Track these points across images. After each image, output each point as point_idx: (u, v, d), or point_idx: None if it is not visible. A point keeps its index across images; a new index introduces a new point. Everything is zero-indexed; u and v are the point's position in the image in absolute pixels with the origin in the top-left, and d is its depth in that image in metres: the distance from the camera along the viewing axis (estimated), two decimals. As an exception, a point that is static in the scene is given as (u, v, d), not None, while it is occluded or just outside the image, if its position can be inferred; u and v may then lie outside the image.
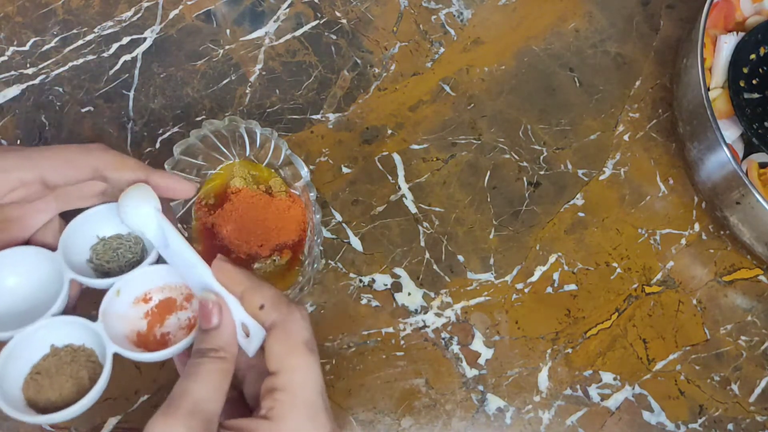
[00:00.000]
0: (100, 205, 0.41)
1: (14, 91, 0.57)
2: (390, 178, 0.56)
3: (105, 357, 0.37)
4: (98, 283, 0.39)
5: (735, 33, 0.56)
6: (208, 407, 0.32)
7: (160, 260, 0.41)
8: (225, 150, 0.51)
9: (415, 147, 0.57)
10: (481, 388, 0.52)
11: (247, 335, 0.36)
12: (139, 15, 0.59)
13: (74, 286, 0.40)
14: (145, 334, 0.40)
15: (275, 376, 0.33)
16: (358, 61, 0.60)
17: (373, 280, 0.53)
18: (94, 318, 0.38)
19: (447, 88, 0.59)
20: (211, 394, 0.33)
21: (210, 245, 0.49)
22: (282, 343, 0.34)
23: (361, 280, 0.53)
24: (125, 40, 0.58)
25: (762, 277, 0.56)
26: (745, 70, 0.56)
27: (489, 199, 0.56)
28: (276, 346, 0.34)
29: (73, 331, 0.38)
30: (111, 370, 0.37)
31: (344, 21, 0.61)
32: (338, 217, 0.55)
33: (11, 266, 0.39)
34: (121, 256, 0.41)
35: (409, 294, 0.53)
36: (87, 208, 0.41)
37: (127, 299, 0.40)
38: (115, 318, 0.39)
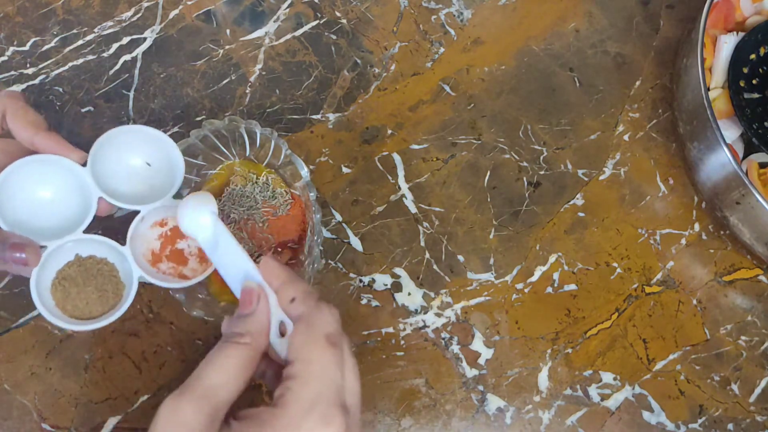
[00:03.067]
0: (123, 127, 0.44)
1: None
2: (390, 178, 0.56)
3: (128, 276, 0.43)
4: (123, 205, 0.43)
5: (735, 33, 0.56)
6: (220, 393, 0.32)
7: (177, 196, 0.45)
8: (225, 150, 0.51)
9: (415, 147, 0.57)
10: (481, 388, 0.52)
11: (284, 335, 0.36)
12: (139, 15, 0.59)
13: (101, 205, 0.43)
14: (158, 253, 0.46)
15: (291, 365, 0.33)
16: (358, 61, 0.60)
17: (373, 280, 0.53)
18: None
19: (447, 88, 0.59)
20: (225, 381, 0.33)
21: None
22: (303, 335, 0.34)
23: (361, 280, 0.53)
24: (125, 40, 0.58)
25: (762, 277, 0.56)
26: (745, 70, 0.56)
27: (489, 199, 0.56)
28: (297, 337, 0.34)
29: (98, 247, 0.43)
30: (135, 293, 0.43)
31: (344, 21, 0.61)
32: (338, 217, 0.55)
33: (40, 176, 0.42)
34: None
35: (409, 294, 0.53)
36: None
37: (148, 223, 0.45)
38: (135, 238, 0.44)
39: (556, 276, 0.55)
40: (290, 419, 0.31)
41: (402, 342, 0.52)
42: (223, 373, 0.33)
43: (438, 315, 0.53)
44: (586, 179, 0.58)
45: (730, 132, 0.55)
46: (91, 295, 0.42)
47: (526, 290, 0.54)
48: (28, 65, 0.57)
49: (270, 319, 0.36)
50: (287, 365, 0.33)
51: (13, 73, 0.57)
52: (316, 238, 0.48)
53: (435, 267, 0.54)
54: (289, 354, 0.34)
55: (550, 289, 0.54)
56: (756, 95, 0.56)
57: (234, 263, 0.39)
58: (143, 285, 0.52)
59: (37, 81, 0.57)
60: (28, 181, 0.42)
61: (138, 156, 0.45)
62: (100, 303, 0.42)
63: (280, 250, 0.51)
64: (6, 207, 0.41)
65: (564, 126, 0.59)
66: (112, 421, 0.49)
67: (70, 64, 0.57)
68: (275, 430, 0.31)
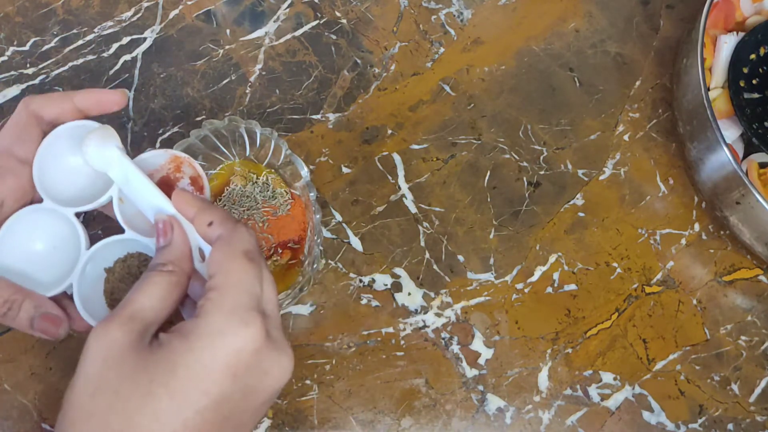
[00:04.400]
0: (57, 130, 0.41)
1: (14, 91, 0.57)
2: (390, 178, 0.56)
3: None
4: (99, 201, 0.41)
5: (735, 33, 0.56)
6: (148, 315, 0.33)
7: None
8: (225, 150, 0.51)
9: (415, 147, 0.57)
10: (481, 388, 0.52)
11: (204, 260, 0.38)
12: (139, 15, 0.59)
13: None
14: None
15: (211, 278, 0.34)
16: (358, 61, 0.60)
17: (373, 280, 0.53)
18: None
19: (447, 88, 0.59)
20: (153, 303, 0.34)
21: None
22: (221, 251, 0.35)
23: (361, 280, 0.53)
24: (125, 40, 0.58)
25: (762, 277, 0.56)
26: (745, 70, 0.56)
27: (489, 199, 0.56)
28: (216, 254, 0.35)
29: (124, 246, 0.41)
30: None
31: (344, 21, 0.61)
32: (338, 217, 0.55)
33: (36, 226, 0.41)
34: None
35: (409, 294, 0.53)
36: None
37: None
38: (134, 218, 0.42)
39: (556, 276, 0.55)
40: (212, 325, 0.32)
41: (402, 342, 0.52)
42: (148, 297, 0.34)
43: (438, 315, 0.53)
44: (586, 179, 0.58)
45: (730, 132, 0.55)
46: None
47: (526, 290, 0.54)
48: (28, 65, 0.57)
49: (189, 245, 0.37)
50: (208, 280, 0.34)
51: (13, 73, 0.57)
52: (316, 238, 0.48)
53: (435, 267, 0.54)
54: (209, 269, 0.35)
55: (550, 289, 0.54)
56: (756, 95, 0.56)
57: (146, 198, 0.39)
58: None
59: (37, 81, 0.57)
60: (25, 232, 0.41)
61: (75, 154, 0.42)
62: None
63: (280, 250, 0.51)
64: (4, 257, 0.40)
65: (564, 126, 0.59)
66: (112, 421, 0.49)
67: (70, 64, 0.57)
68: (199, 338, 0.32)
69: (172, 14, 0.60)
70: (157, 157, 0.42)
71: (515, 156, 0.58)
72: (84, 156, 0.40)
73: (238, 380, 0.32)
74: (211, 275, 0.34)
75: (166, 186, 0.42)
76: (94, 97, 0.41)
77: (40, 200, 0.41)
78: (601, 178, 0.58)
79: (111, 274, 0.41)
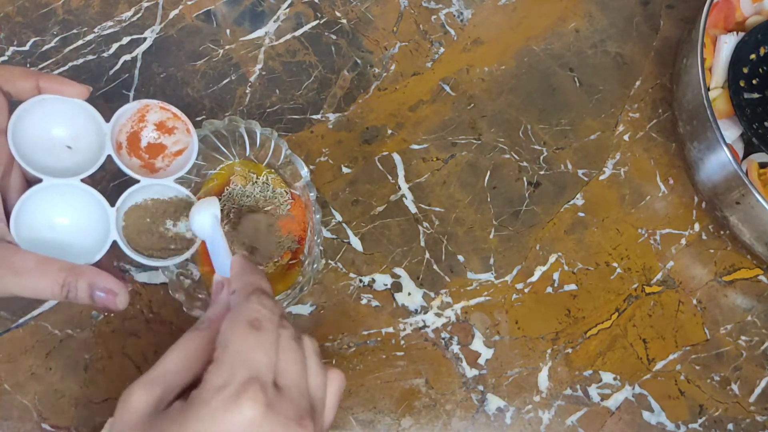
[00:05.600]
0: (45, 96, 0.42)
1: (14, 91, 0.57)
2: (390, 178, 0.56)
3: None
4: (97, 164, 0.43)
5: (735, 33, 0.56)
6: (170, 378, 0.33)
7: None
8: (225, 150, 0.51)
9: (415, 147, 0.57)
10: (481, 388, 0.52)
11: None
12: (139, 15, 0.59)
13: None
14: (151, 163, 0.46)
15: (215, 351, 0.33)
16: (358, 61, 0.60)
17: (373, 280, 0.53)
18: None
19: (447, 88, 0.59)
20: (178, 366, 0.34)
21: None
22: (226, 322, 0.34)
23: (361, 280, 0.53)
24: (125, 40, 0.58)
25: (762, 277, 0.56)
26: (745, 70, 0.56)
27: (489, 199, 0.56)
28: (223, 325, 0.34)
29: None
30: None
31: (344, 21, 0.61)
32: (338, 217, 0.55)
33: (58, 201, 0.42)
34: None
35: (409, 294, 0.53)
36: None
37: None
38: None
39: (556, 276, 0.55)
40: (201, 399, 0.31)
41: (402, 342, 0.52)
42: (176, 359, 0.34)
43: (438, 315, 0.53)
44: (586, 179, 0.58)
45: (730, 132, 0.55)
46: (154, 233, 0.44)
47: (526, 290, 0.54)
48: (28, 65, 0.57)
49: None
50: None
51: (13, 73, 0.57)
52: (316, 238, 0.48)
53: (435, 267, 0.54)
54: (217, 343, 0.34)
55: (550, 289, 0.54)
56: (756, 95, 0.56)
57: (220, 258, 0.42)
58: (143, 285, 0.52)
59: (37, 81, 0.57)
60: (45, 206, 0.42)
61: (61, 127, 0.43)
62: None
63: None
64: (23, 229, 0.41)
65: (564, 126, 0.59)
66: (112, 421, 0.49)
67: (70, 64, 0.57)
68: (189, 412, 0.31)
69: (172, 14, 0.60)
70: (128, 110, 0.44)
71: (515, 156, 0.58)
72: (190, 221, 0.43)
73: None
74: (216, 347, 0.33)
75: (135, 138, 0.45)
76: (57, 86, 0.41)
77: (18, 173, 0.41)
78: (601, 178, 0.58)
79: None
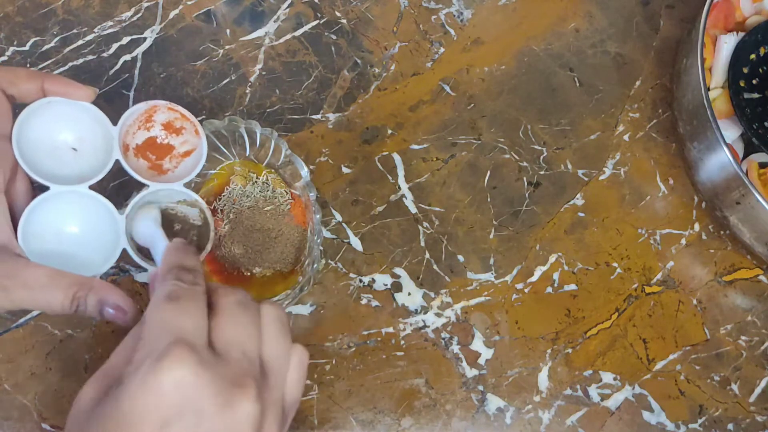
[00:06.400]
0: (51, 99, 0.41)
1: (14, 91, 0.57)
2: (390, 178, 0.56)
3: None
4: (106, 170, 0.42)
5: (735, 33, 0.56)
6: (113, 371, 0.32)
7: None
8: (225, 150, 0.51)
9: (415, 147, 0.57)
10: (481, 388, 0.52)
11: None
12: (139, 15, 0.59)
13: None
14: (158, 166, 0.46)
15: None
16: (358, 61, 0.60)
17: (373, 280, 0.53)
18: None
19: (447, 88, 0.59)
20: (119, 358, 0.33)
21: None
22: (150, 304, 0.34)
23: (361, 280, 0.53)
24: (125, 40, 0.58)
25: (762, 277, 0.56)
26: (745, 70, 0.56)
27: (489, 199, 0.56)
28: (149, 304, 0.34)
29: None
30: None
31: (344, 21, 0.61)
32: (338, 217, 0.55)
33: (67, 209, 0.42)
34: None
35: (409, 294, 0.53)
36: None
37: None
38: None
39: (556, 276, 0.55)
40: (129, 374, 0.30)
41: (402, 342, 0.52)
42: (117, 353, 0.33)
43: (438, 315, 0.53)
44: (586, 179, 0.58)
45: (730, 132, 0.55)
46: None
47: (526, 290, 0.54)
48: (28, 65, 0.57)
49: None
50: None
51: (13, 73, 0.57)
52: (316, 238, 0.48)
53: (435, 267, 0.54)
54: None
55: (550, 289, 0.54)
56: (756, 95, 0.56)
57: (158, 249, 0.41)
58: (143, 285, 0.52)
59: (37, 81, 0.57)
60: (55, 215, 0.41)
61: (67, 131, 0.43)
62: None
63: (280, 250, 0.51)
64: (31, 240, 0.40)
65: (564, 126, 0.59)
66: (112, 421, 0.49)
67: (70, 64, 0.57)
68: (122, 390, 0.30)
69: (172, 14, 0.60)
70: (135, 111, 0.44)
71: (515, 156, 0.58)
72: (129, 230, 0.42)
73: (168, 428, 0.29)
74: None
75: (152, 141, 0.45)
76: (63, 88, 0.40)
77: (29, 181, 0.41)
78: (601, 178, 0.58)
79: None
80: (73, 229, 0.42)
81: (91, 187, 0.42)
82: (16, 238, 0.39)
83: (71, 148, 0.42)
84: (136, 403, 0.29)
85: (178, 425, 0.29)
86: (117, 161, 0.42)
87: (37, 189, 0.41)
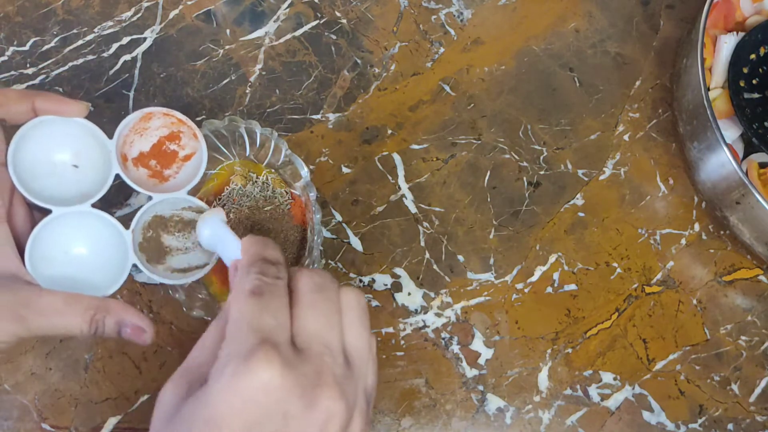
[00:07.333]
0: (44, 117, 0.40)
1: (14, 91, 0.57)
2: (390, 178, 0.56)
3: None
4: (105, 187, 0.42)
5: (735, 33, 0.56)
6: (195, 370, 0.33)
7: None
8: (225, 150, 0.51)
9: (415, 147, 0.57)
10: (481, 388, 0.52)
11: None
12: (139, 15, 0.59)
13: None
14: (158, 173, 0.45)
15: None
16: (358, 61, 0.60)
17: (373, 280, 0.53)
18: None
19: (447, 88, 0.59)
20: (200, 356, 0.33)
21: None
22: (230, 299, 0.34)
23: (361, 280, 0.53)
24: (125, 40, 0.58)
25: (762, 277, 0.56)
26: (745, 70, 0.56)
27: (489, 199, 0.56)
28: (227, 304, 0.34)
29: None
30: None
31: (344, 21, 0.61)
32: (338, 217, 0.55)
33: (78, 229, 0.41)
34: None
35: (409, 294, 0.53)
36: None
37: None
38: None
39: (556, 276, 0.55)
40: (215, 374, 0.30)
41: (402, 342, 0.52)
42: (197, 351, 0.33)
43: (438, 315, 0.53)
44: (586, 179, 0.58)
45: (730, 132, 0.55)
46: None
47: (526, 290, 0.54)
48: (28, 65, 0.57)
49: None
50: None
51: (13, 73, 0.57)
52: (316, 238, 0.48)
53: (435, 267, 0.54)
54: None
55: (550, 289, 0.54)
56: (756, 95, 0.56)
57: (231, 254, 0.40)
58: (143, 285, 0.52)
59: (37, 81, 0.57)
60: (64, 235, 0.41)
61: (63, 149, 0.42)
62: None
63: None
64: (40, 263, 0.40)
65: (564, 126, 0.59)
66: (112, 421, 0.49)
67: (70, 64, 0.57)
68: (208, 389, 0.30)
69: (172, 14, 0.60)
70: (131, 121, 0.43)
71: (515, 156, 0.58)
72: (198, 236, 0.42)
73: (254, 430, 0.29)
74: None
75: (159, 147, 0.44)
76: (54, 106, 0.40)
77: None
78: (601, 178, 0.58)
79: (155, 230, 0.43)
80: (81, 251, 0.41)
81: (96, 206, 0.41)
82: (24, 265, 0.39)
83: (72, 166, 0.42)
84: (223, 405, 0.29)
85: (265, 428, 0.29)
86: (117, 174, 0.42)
87: (35, 211, 0.41)
